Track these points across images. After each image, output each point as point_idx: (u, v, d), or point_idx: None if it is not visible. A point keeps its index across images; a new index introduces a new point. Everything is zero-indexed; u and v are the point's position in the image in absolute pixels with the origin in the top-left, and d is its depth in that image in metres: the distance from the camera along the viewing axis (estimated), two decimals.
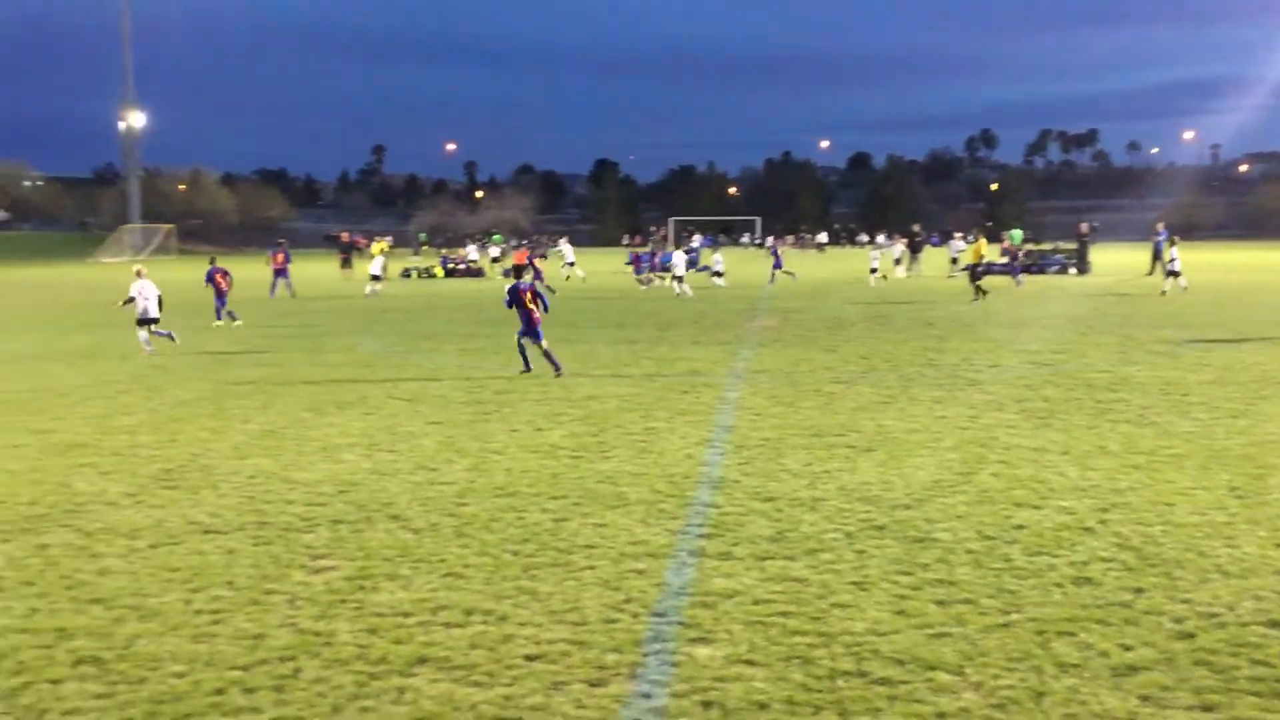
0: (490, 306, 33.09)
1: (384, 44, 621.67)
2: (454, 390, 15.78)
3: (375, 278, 39.77)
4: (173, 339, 21.15)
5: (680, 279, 37.38)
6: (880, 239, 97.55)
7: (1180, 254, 34.07)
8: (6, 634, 6.45)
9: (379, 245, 51.03)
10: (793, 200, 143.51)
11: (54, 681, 5.79)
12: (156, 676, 5.84)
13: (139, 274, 21.35)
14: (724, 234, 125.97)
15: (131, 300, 20.80)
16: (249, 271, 52.37)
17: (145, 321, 20.73)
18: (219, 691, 5.64)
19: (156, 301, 20.92)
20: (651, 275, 44.38)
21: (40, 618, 6.72)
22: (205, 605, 6.92)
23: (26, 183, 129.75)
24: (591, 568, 7.60)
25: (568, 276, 48.74)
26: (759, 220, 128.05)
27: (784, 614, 6.62)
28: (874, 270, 42.35)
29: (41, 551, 8.05)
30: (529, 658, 6.05)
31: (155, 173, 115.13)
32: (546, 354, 17.38)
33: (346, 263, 54.49)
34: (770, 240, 76.86)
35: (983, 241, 35.25)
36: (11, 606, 6.91)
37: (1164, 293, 33.26)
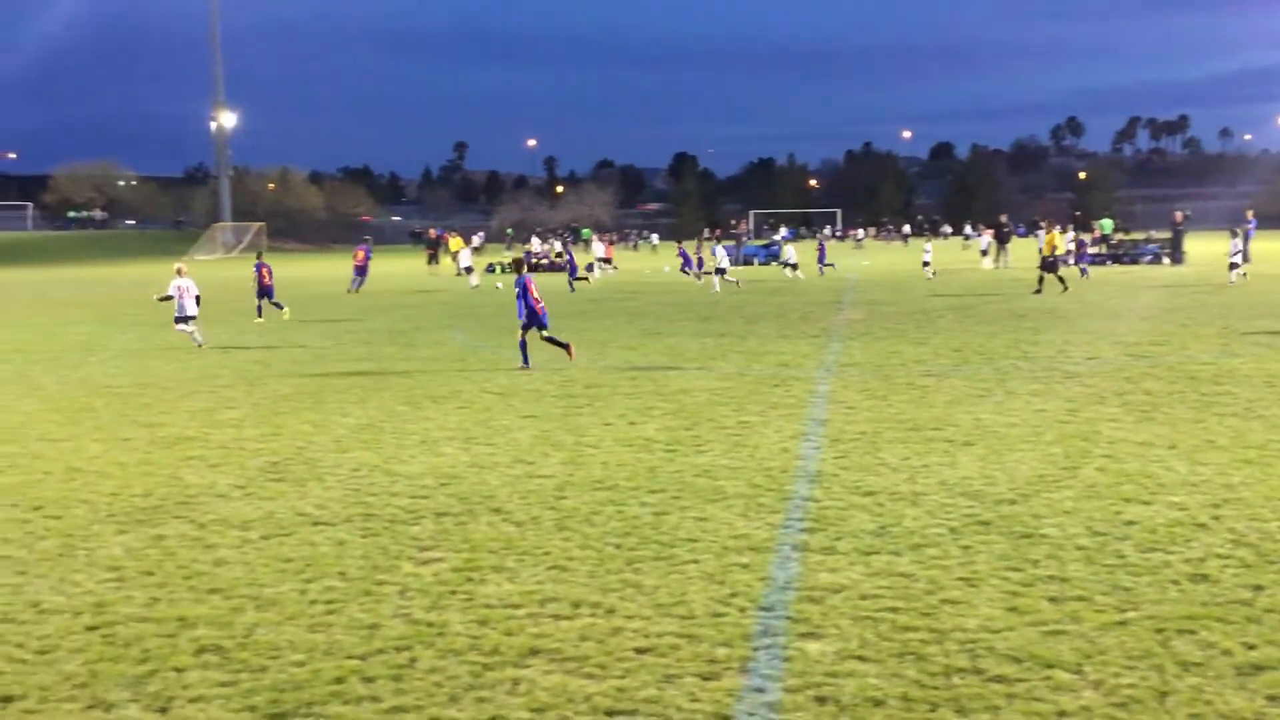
0: (575, 300, 33.29)
1: (466, 42, 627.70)
2: (544, 384, 15.90)
3: (468, 270, 41.04)
4: (199, 345, 21.46)
5: (722, 271, 37.26)
6: (966, 230, 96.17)
7: (1246, 246, 32.98)
8: (130, 623, 6.65)
9: (456, 241, 51.58)
10: (874, 192, 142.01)
11: (179, 669, 5.95)
12: (277, 665, 5.98)
13: (179, 272, 21.89)
14: (804, 226, 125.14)
15: (169, 297, 21.34)
16: (334, 268, 53.34)
17: (182, 319, 21.29)
18: (339, 680, 5.76)
19: (194, 300, 21.43)
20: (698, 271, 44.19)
21: (161, 607, 6.92)
22: (319, 595, 7.06)
23: (121, 182, 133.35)
24: (695, 561, 7.61)
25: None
26: (839, 213, 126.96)
27: (893, 609, 6.57)
28: (926, 264, 41.83)
29: (158, 542, 8.29)
30: (639, 650, 6.08)
31: (245, 172, 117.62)
32: (550, 339, 18.00)
33: (433, 258, 55.22)
34: (821, 233, 76.21)
35: (1056, 232, 34.55)
36: (133, 595, 7.12)
37: (1232, 282, 32.31)
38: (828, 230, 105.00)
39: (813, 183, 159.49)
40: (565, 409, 13.79)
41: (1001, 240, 48.98)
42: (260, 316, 27.43)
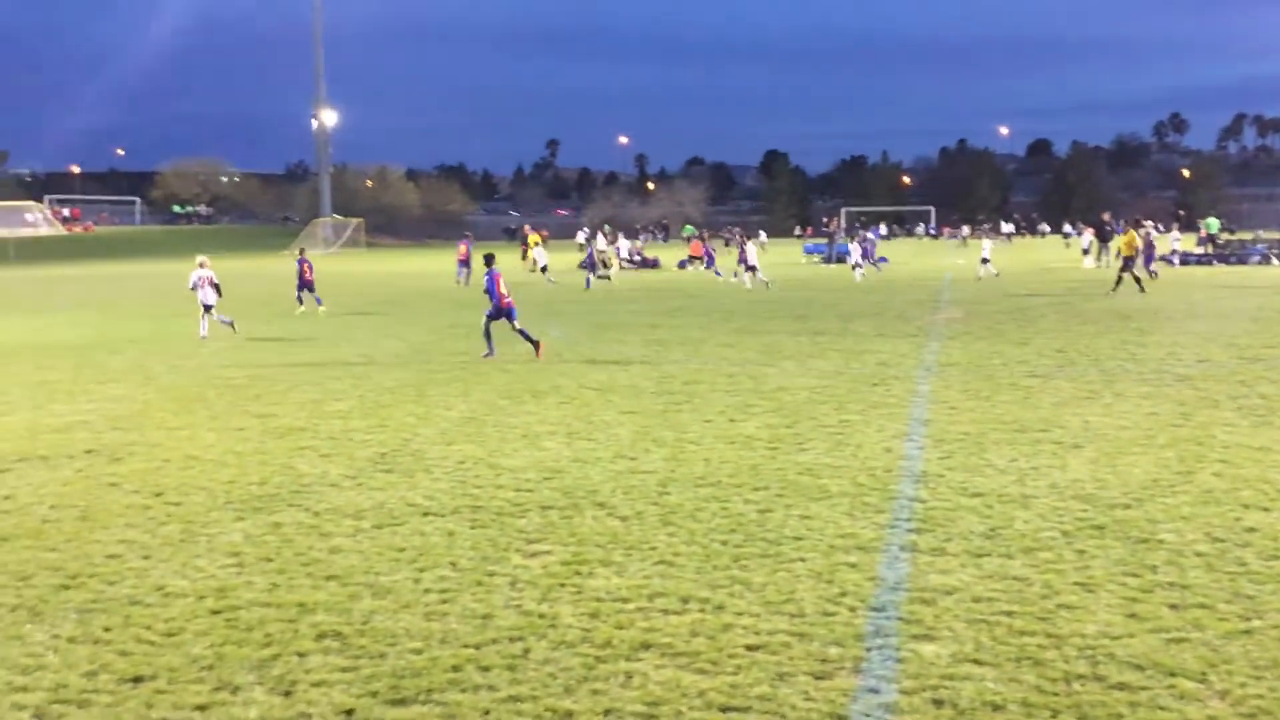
0: (669, 297, 33.34)
1: (559, 40, 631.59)
2: (643, 380, 15.96)
3: (544, 268, 41.32)
4: (232, 327, 22.22)
5: (754, 269, 37.02)
6: (1065, 228, 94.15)
7: None
8: (252, 607, 6.84)
9: (534, 237, 51.93)
10: (969, 189, 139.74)
11: (300, 654, 6.11)
12: (395, 652, 6.11)
13: (201, 264, 22.92)
14: (897, 224, 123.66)
15: (195, 288, 22.38)
16: (431, 263, 54.16)
17: (206, 308, 22.24)
18: (456, 668, 5.86)
19: (214, 289, 22.53)
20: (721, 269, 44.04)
21: (281, 592, 7.11)
22: (433, 584, 7.19)
23: (225, 179, 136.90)
24: (802, 559, 7.59)
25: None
26: (933, 210, 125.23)
27: (1008, 613, 6.48)
28: (985, 260, 41.00)
29: (276, 529, 8.51)
30: (750, 647, 6.08)
31: (344, 169, 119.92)
32: (521, 332, 18.91)
33: (527, 254, 55.84)
34: (867, 231, 74.91)
35: (1133, 233, 33.59)
36: (254, 581, 7.33)
37: None
38: (883, 229, 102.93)
39: (906, 180, 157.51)
40: (665, 405, 13.83)
41: (1103, 239, 47.86)
42: (302, 305, 28.71)
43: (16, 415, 13.49)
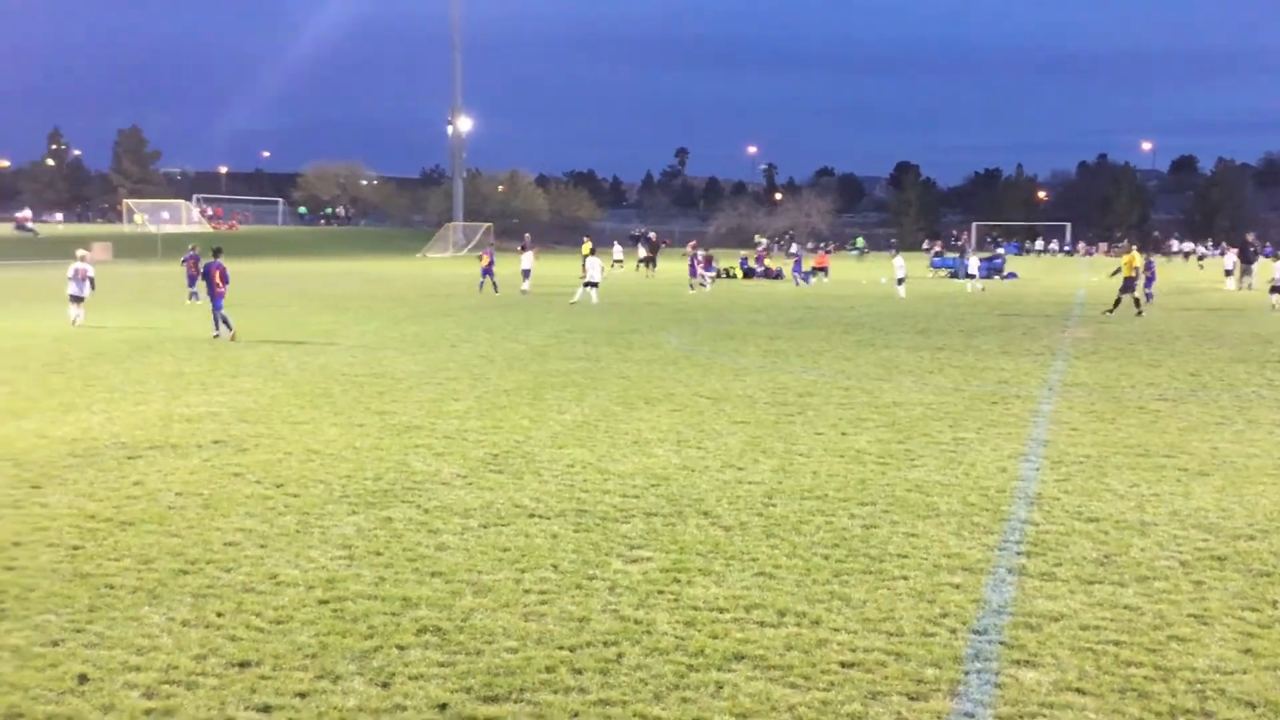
0: (790, 308, 33.14)
1: (690, 49, 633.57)
2: (757, 390, 15.90)
3: (593, 284, 34.09)
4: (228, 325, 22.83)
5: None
6: (1206, 247, 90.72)
7: None
8: (358, 599, 7.03)
9: (587, 245, 51.82)
10: (1108, 206, 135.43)
11: (401, 647, 6.26)
12: (492, 650, 6.21)
13: (81, 257, 24.88)
14: (1029, 240, 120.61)
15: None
16: (554, 268, 54.82)
17: (74, 299, 24.05)
18: (549, 669, 5.93)
19: (88, 283, 24.47)
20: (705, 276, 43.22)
21: (387, 586, 7.28)
22: (533, 585, 7.29)
23: (363, 182, 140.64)
24: (905, 578, 7.48)
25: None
26: (1069, 226, 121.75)
27: (1115, 643, 6.28)
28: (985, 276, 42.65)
29: (386, 524, 8.73)
30: (845, 664, 6.02)
31: (476, 174, 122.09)
32: (224, 320, 22.29)
33: (650, 262, 56.05)
34: (998, 246, 72.87)
35: (1134, 254, 32.32)
36: (362, 574, 7.53)
37: None
38: (929, 243, 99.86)
39: (1042, 195, 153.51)
40: (777, 416, 13.76)
41: (1246, 260, 45.96)
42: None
43: (151, 405, 14.10)
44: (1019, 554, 8.01)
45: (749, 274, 54.27)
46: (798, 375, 17.68)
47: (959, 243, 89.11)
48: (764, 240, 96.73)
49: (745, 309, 33.11)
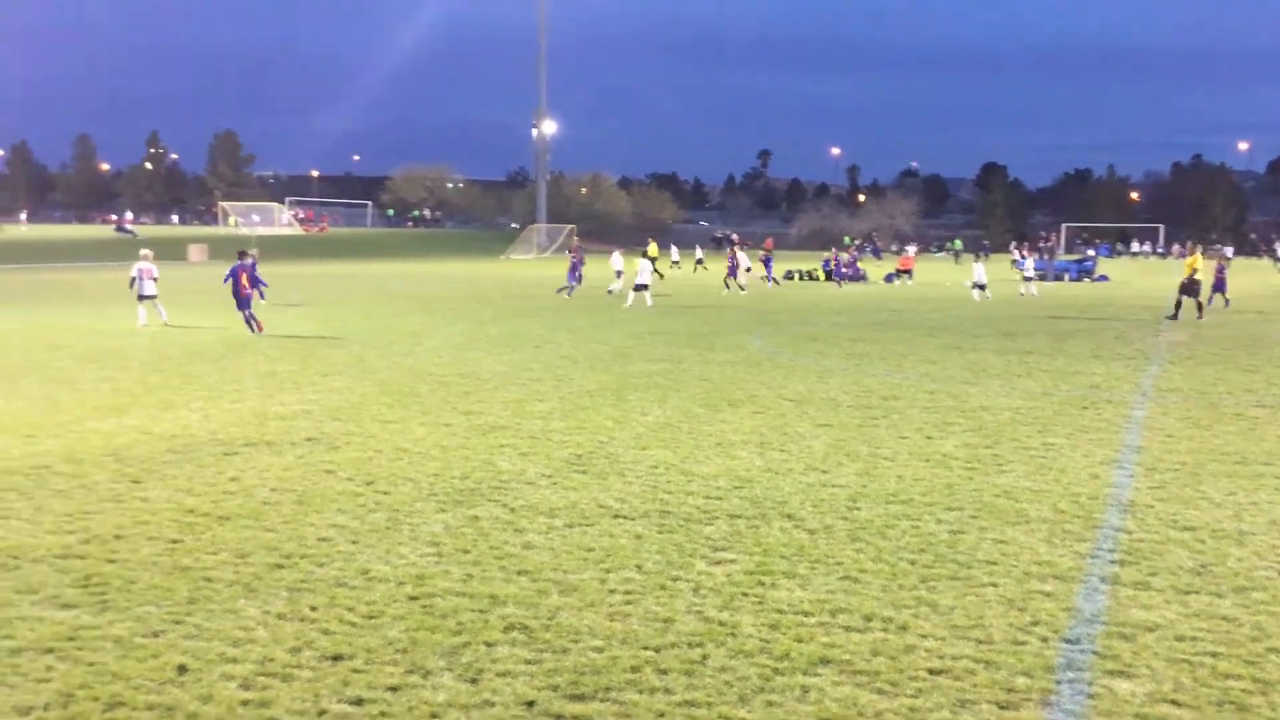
0: (875, 310, 32.84)
1: (774, 50, 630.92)
2: (841, 393, 15.80)
3: (641, 286, 33.27)
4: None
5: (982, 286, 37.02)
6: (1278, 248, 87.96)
7: None
8: (447, 596, 7.14)
9: (654, 247, 51.65)
10: (1202, 207, 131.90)
11: (489, 644, 6.34)
12: (577, 649, 6.27)
13: (144, 257, 25.36)
14: (1120, 242, 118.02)
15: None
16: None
17: (143, 298, 24.89)
18: (635, 669, 5.97)
19: (151, 282, 25.03)
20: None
21: (475, 583, 7.39)
22: (618, 585, 7.34)
23: (450, 185, 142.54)
24: (994, 585, 7.38)
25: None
26: (1161, 228, 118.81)
27: (1212, 654, 6.14)
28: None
29: (474, 523, 8.85)
30: (932, 671, 5.96)
31: (560, 176, 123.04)
32: (249, 320, 22.88)
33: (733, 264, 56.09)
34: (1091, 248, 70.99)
35: (1197, 255, 31.33)
36: (450, 571, 7.64)
37: None
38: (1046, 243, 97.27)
39: (1134, 196, 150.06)
40: (861, 419, 13.66)
41: None
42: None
43: (247, 403, 14.44)
44: (1112, 562, 7.86)
45: (831, 276, 53.83)
46: (882, 378, 17.52)
47: (1048, 244, 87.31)
48: (858, 239, 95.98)
49: (828, 311, 32.89)
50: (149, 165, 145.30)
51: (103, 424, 12.82)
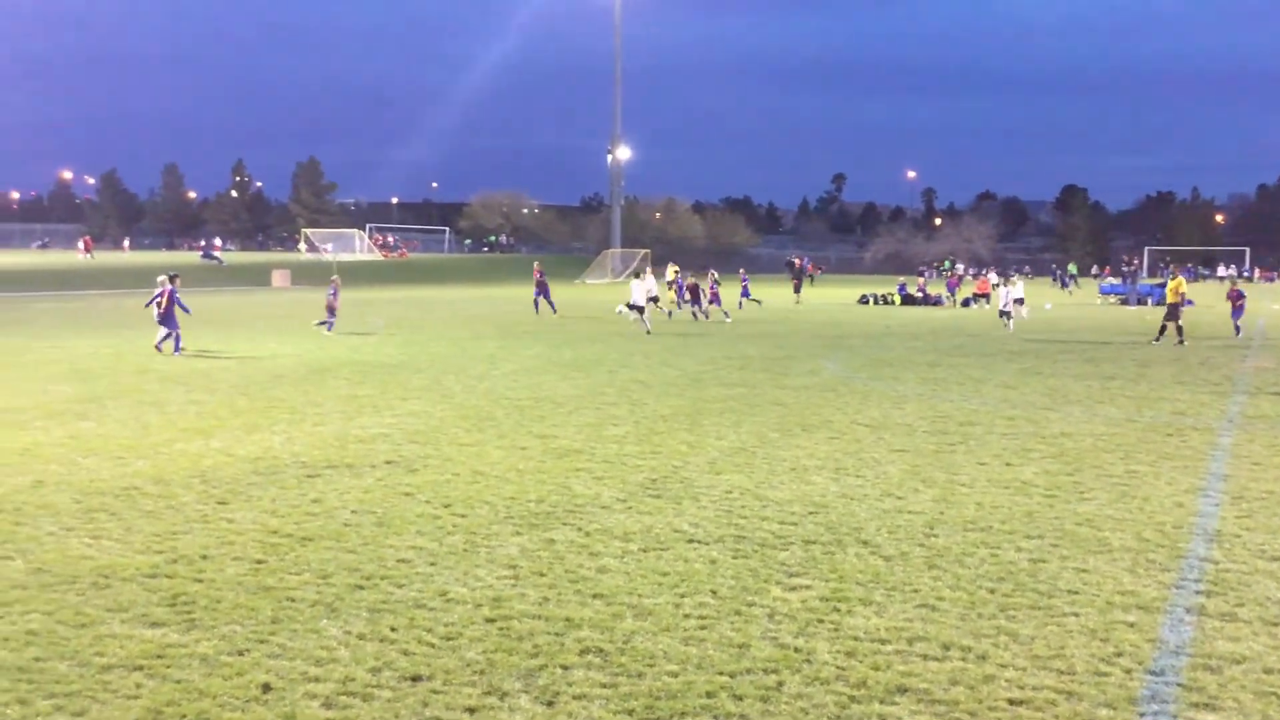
0: (951, 335, 32.48)
1: (848, 74, 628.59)
2: (917, 419, 15.66)
3: (635, 307, 33.88)
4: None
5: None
6: None
7: None
8: (523, 618, 7.21)
9: (673, 269, 51.23)
10: None
11: (565, 667, 6.39)
12: (653, 673, 6.29)
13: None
14: (1204, 266, 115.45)
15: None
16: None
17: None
18: (710, 694, 5.97)
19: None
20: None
21: (551, 606, 7.45)
22: (692, 610, 7.35)
23: (525, 210, 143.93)
24: (1075, 615, 7.26)
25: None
26: (1247, 251, 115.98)
27: None
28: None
29: (549, 546, 8.92)
30: (1012, 701, 5.89)
31: (634, 201, 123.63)
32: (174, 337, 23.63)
33: (799, 287, 56.03)
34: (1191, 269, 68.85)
35: (1181, 279, 30.82)
36: (527, 594, 7.71)
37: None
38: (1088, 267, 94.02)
39: (1218, 218, 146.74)
40: (938, 445, 13.53)
41: None
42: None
43: (329, 426, 14.72)
44: (1198, 593, 7.70)
45: (908, 300, 53.40)
46: (959, 403, 17.33)
47: (1131, 268, 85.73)
48: (950, 262, 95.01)
49: (904, 335, 32.61)
50: (234, 193, 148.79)
51: (190, 446, 13.15)
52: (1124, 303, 54.39)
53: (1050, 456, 12.81)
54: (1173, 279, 31.43)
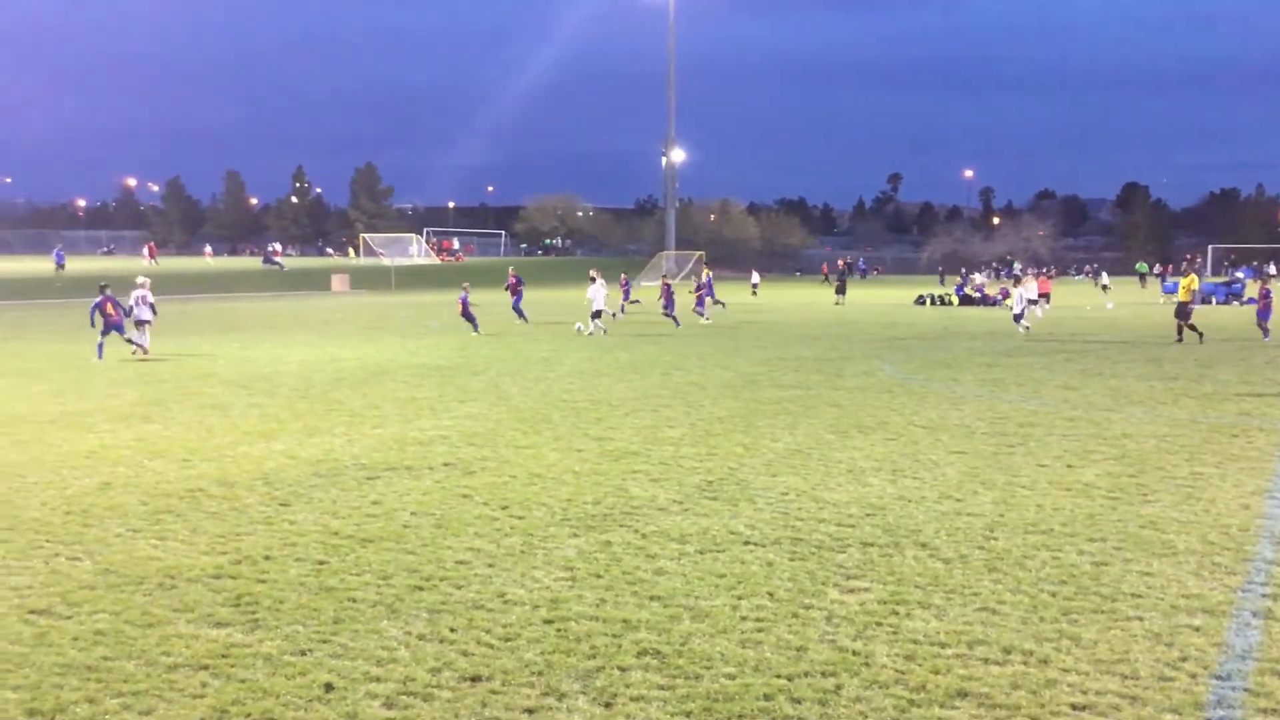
0: (1008, 335, 32.09)
1: (903, 73, 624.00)
2: (975, 420, 15.50)
3: (596, 314, 33.17)
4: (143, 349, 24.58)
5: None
6: None
7: None
8: (581, 620, 7.24)
9: (706, 271, 50.68)
10: None
11: (622, 669, 6.41)
12: (710, 675, 6.29)
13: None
14: (1272, 263, 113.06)
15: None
16: (763, 295, 54.74)
17: (140, 323, 24.89)
18: (767, 697, 5.96)
19: (148, 309, 25.03)
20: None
21: (608, 608, 7.47)
22: (749, 612, 7.34)
23: (579, 213, 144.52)
24: (1139, 618, 7.16)
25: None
26: None
27: None
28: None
29: (606, 548, 8.95)
30: (1076, 706, 5.82)
31: (688, 203, 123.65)
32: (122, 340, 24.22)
33: (841, 289, 55.68)
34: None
35: (1193, 276, 30.47)
36: (584, 595, 7.75)
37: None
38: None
39: None
40: (996, 447, 13.39)
41: None
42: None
43: (388, 429, 14.87)
44: (1265, 596, 7.55)
45: (966, 301, 52.88)
46: (1018, 404, 17.14)
47: (1194, 267, 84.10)
48: (1027, 268, 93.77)
49: (962, 336, 32.28)
50: (294, 199, 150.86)
51: (253, 449, 13.35)
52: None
53: (1112, 458, 12.63)
54: (1184, 277, 31.08)
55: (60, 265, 72.07)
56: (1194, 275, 31.30)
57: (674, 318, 36.34)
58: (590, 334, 32.17)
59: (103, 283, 26.67)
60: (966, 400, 17.70)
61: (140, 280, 26.08)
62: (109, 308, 24.81)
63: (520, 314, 36.61)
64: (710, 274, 46.50)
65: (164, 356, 24.89)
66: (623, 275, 47.70)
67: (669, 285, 38.74)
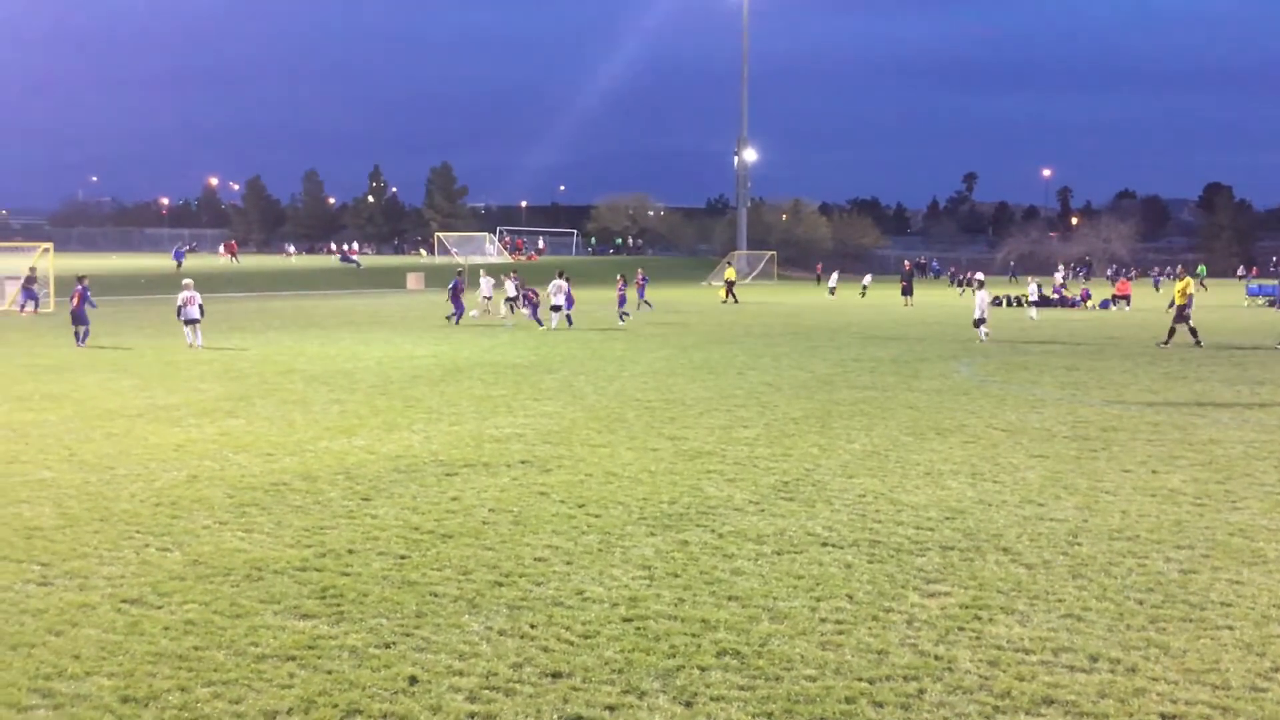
0: (1089, 338, 31.54)
1: (978, 72, 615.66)
2: (1055, 423, 15.27)
3: (555, 308, 33.61)
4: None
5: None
6: None
7: None
8: (659, 619, 7.26)
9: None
10: None
11: (702, 668, 6.42)
12: (790, 676, 6.28)
13: (186, 287, 26.62)
14: None
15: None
16: (837, 296, 54.20)
17: (190, 322, 26.21)
18: (849, 700, 5.94)
19: (198, 309, 26.21)
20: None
21: (687, 607, 7.49)
22: (829, 614, 7.31)
23: (651, 213, 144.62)
24: (1229, 628, 7.01)
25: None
26: None
27: None
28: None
29: (683, 548, 8.97)
30: (1164, 716, 5.72)
31: (760, 203, 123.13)
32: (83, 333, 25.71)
33: (908, 289, 54.87)
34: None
35: (1189, 279, 29.72)
36: (662, 594, 7.77)
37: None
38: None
39: None
40: (1079, 451, 13.18)
41: None
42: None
43: (465, 426, 15.03)
44: None
45: (1043, 302, 51.98)
46: (1100, 408, 16.84)
47: (1190, 271, 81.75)
48: (1073, 264, 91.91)
49: (1039, 337, 31.78)
50: (371, 198, 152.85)
51: (334, 444, 13.58)
52: (1272, 304, 52.07)
53: (1199, 464, 12.37)
54: (1179, 280, 30.46)
55: (179, 262, 73.64)
56: (1189, 279, 30.95)
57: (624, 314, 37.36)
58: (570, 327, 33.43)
59: (81, 274, 28.61)
60: (1046, 403, 17.44)
61: (185, 282, 27.55)
62: (75, 299, 26.77)
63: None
64: (644, 273, 47.03)
65: (245, 348, 25.38)
66: (640, 272, 47.65)
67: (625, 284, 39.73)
